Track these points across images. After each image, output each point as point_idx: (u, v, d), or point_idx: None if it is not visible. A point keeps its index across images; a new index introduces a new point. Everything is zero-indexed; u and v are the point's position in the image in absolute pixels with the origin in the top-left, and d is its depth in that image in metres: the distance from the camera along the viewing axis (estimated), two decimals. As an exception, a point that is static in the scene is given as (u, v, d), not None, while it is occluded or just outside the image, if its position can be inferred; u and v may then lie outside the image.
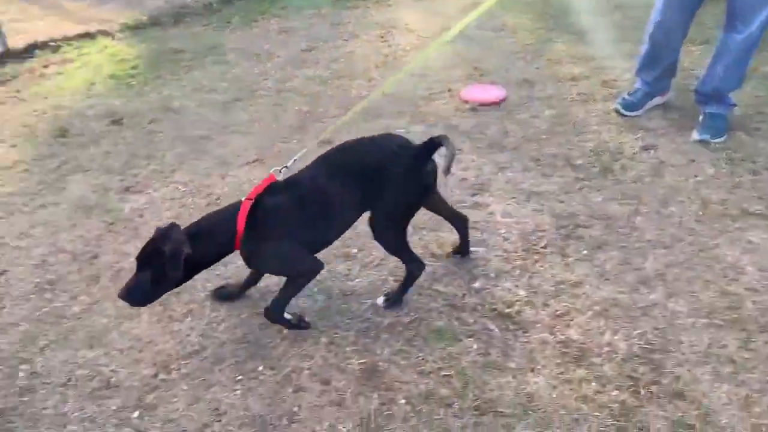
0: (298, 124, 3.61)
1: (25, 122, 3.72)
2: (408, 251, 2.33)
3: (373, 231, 2.25)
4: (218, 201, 3.00)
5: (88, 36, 4.90)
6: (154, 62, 4.47)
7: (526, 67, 4.21)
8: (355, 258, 2.63)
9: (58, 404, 2.07)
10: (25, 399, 2.09)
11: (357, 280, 2.52)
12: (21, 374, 2.18)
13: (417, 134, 3.45)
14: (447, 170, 2.08)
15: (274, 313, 2.26)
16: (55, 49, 4.70)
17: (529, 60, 4.30)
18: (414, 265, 2.35)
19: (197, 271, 2.11)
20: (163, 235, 1.97)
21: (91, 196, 3.06)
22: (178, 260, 1.93)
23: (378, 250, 2.65)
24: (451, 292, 2.44)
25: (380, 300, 2.39)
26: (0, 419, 2.02)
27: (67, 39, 4.80)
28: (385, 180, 2.15)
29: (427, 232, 2.74)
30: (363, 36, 4.83)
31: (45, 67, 4.46)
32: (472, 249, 2.63)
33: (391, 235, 2.28)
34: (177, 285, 2.07)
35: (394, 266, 2.56)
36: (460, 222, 2.55)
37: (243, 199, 2.11)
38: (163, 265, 1.93)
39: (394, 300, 2.38)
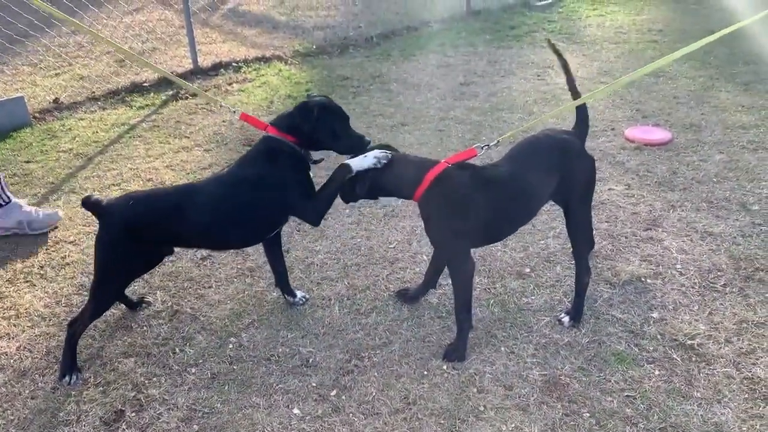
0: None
1: (216, 130, 4.13)
2: (586, 251, 2.44)
3: (573, 224, 2.41)
4: (393, 212, 3.21)
5: (264, 60, 5.37)
6: (325, 86, 4.83)
7: (689, 112, 4.18)
8: (529, 277, 2.72)
9: (264, 375, 2.28)
10: (235, 367, 2.33)
11: (532, 297, 2.61)
12: (230, 346, 2.43)
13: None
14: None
15: (462, 315, 2.31)
16: (237, 69, 5.19)
17: (693, 106, 4.28)
18: (586, 270, 2.43)
19: (380, 195, 2.33)
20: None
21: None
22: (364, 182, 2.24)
23: (551, 271, 2.74)
24: (629, 320, 2.47)
25: (565, 319, 2.46)
26: (214, 381, 2.26)
27: (246, 61, 5.29)
28: (575, 168, 2.31)
29: (601, 260, 2.79)
30: (519, 73, 4.98)
31: (229, 84, 4.94)
32: (647, 280, 2.65)
33: (585, 225, 2.43)
34: (366, 197, 2.33)
35: (569, 287, 2.63)
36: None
37: (442, 160, 2.26)
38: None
39: (576, 314, 2.45)
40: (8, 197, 3.13)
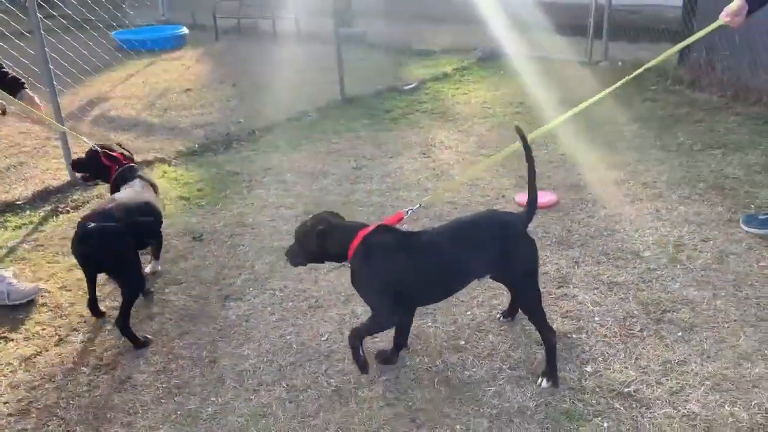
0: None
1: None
2: (545, 318, 2.54)
3: (520, 302, 2.63)
4: (317, 303, 3.16)
5: (146, 163, 5.19)
6: (217, 184, 4.74)
7: (567, 174, 4.56)
8: (466, 349, 2.76)
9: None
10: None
11: (473, 369, 2.65)
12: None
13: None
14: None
15: (352, 338, 2.48)
16: (119, 176, 4.95)
17: (568, 168, 4.67)
18: (550, 333, 2.53)
19: (322, 260, 2.62)
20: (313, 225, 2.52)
21: (193, 305, 3.19)
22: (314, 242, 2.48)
23: (485, 341, 2.81)
24: (567, 377, 2.57)
25: (543, 382, 2.52)
26: None
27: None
28: (514, 249, 2.47)
29: (526, 323, 2.90)
30: (406, 153, 5.19)
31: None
32: (573, 336, 2.79)
33: (536, 300, 2.53)
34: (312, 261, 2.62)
35: (504, 354, 2.70)
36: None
37: (374, 223, 2.51)
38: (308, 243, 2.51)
39: (552, 375, 2.52)
40: None
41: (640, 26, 8.17)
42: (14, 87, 3.35)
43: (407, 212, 2.62)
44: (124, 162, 3.41)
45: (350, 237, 2.43)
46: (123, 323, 2.82)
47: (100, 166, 3.39)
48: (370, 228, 2.46)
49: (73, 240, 2.92)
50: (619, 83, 3.12)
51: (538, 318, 2.53)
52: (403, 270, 2.41)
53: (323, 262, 2.74)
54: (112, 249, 2.83)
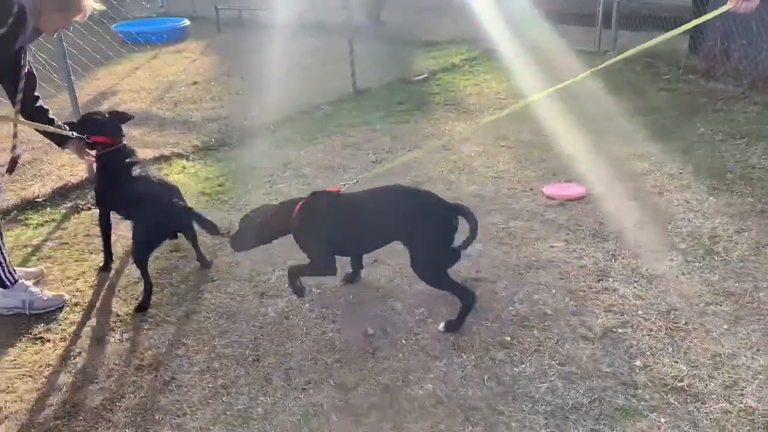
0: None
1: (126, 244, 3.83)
2: (454, 285, 2.82)
3: (414, 266, 2.85)
4: (354, 299, 3.13)
5: (163, 158, 5.13)
6: (237, 179, 4.69)
7: (591, 166, 4.53)
8: (512, 345, 2.74)
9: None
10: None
11: (522, 365, 2.62)
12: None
13: (518, 227, 3.68)
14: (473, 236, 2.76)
15: (291, 275, 2.99)
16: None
17: (592, 159, 4.65)
18: (464, 295, 2.82)
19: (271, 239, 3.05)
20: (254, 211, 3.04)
21: (231, 303, 3.15)
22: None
23: (530, 336, 2.78)
24: (617, 372, 2.55)
25: (441, 325, 2.84)
26: None
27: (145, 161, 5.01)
28: (424, 222, 2.79)
29: (570, 317, 2.88)
30: (425, 146, 5.15)
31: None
32: (618, 330, 2.78)
33: (430, 270, 2.83)
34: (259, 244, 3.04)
35: (553, 350, 2.68)
36: None
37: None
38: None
39: (453, 326, 2.83)
40: (14, 278, 3.13)
41: (649, 15, 8.14)
42: (61, 136, 3.27)
43: (344, 185, 3.03)
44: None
45: (292, 206, 2.92)
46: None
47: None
48: (307, 197, 2.94)
49: (162, 217, 3.13)
50: (603, 65, 3.24)
51: (446, 286, 2.83)
52: (334, 224, 2.89)
53: (270, 242, 3.07)
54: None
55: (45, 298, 3.16)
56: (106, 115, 3.46)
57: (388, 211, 2.84)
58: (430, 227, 2.78)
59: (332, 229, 2.88)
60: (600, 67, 3.21)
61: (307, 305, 3.11)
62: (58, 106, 5.58)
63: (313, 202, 2.92)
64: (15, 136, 3.05)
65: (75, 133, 3.28)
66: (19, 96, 2.98)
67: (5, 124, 4.15)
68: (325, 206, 2.92)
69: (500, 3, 8.94)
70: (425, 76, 7.55)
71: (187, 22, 10.83)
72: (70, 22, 3.08)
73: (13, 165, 3.04)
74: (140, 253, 3.13)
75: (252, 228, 2.97)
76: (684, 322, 2.82)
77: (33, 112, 3.11)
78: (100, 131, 3.35)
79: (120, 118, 3.46)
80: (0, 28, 2.69)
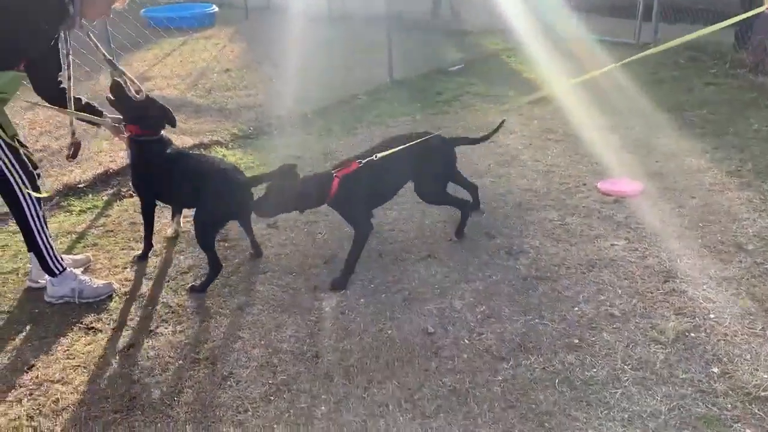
0: (451, 224, 3.70)
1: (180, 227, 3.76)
2: (453, 199, 3.49)
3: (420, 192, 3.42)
4: (411, 295, 3.03)
5: (203, 146, 5.06)
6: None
7: (644, 161, 4.40)
8: (581, 347, 2.63)
9: None
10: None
11: (593, 369, 2.52)
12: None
13: (575, 224, 3.56)
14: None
15: (346, 272, 3.13)
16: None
17: (645, 154, 4.50)
18: (465, 204, 3.51)
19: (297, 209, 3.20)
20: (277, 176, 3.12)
21: (283, 296, 3.07)
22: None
23: (599, 338, 2.67)
24: (695, 378, 2.44)
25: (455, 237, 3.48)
26: None
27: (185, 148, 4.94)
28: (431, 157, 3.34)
29: (639, 319, 2.77)
30: (468, 138, 5.02)
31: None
32: (691, 335, 2.66)
33: (432, 193, 3.45)
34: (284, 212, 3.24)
35: (624, 354, 2.57)
36: (472, 188, 3.76)
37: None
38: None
39: (458, 233, 3.52)
40: (62, 266, 3.06)
41: (694, 8, 7.92)
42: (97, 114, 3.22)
43: (360, 162, 3.14)
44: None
45: (327, 180, 3.14)
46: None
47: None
48: (340, 172, 3.15)
49: (229, 195, 3.08)
50: (644, 53, 3.37)
51: (444, 200, 3.50)
52: (367, 185, 3.17)
53: (290, 212, 3.23)
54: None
55: (95, 286, 3.10)
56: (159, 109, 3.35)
57: (404, 159, 3.19)
58: (436, 161, 3.39)
59: (371, 191, 3.23)
60: (641, 55, 3.19)
61: (362, 300, 3.02)
62: (91, 90, 5.55)
63: (353, 175, 3.12)
64: (71, 123, 3.01)
65: (119, 120, 3.22)
66: (70, 83, 2.94)
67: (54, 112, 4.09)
68: (363, 176, 3.12)
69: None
70: (462, 66, 7.41)
71: (215, 8, 10.74)
72: (110, 9, 3.00)
73: (76, 150, 3.10)
74: (206, 235, 3.07)
75: (282, 195, 3.05)
76: (761, 327, 2.70)
77: (57, 94, 3.04)
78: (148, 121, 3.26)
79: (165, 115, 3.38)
80: (46, 24, 2.67)
